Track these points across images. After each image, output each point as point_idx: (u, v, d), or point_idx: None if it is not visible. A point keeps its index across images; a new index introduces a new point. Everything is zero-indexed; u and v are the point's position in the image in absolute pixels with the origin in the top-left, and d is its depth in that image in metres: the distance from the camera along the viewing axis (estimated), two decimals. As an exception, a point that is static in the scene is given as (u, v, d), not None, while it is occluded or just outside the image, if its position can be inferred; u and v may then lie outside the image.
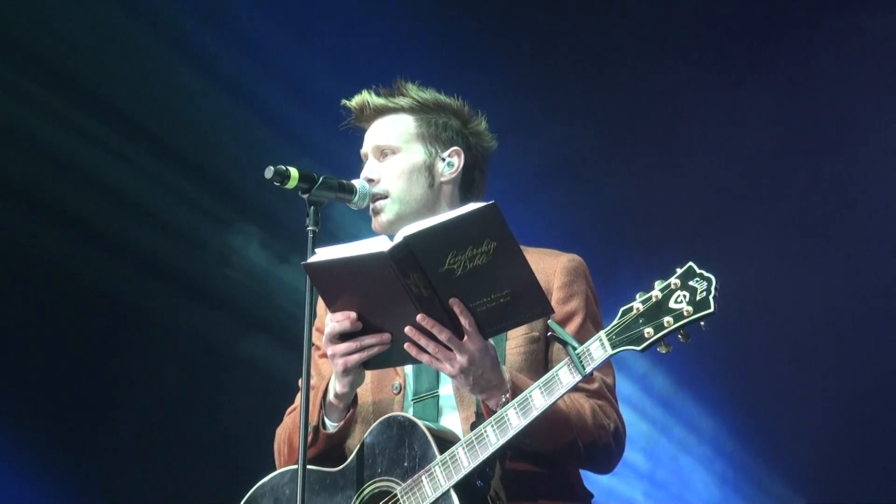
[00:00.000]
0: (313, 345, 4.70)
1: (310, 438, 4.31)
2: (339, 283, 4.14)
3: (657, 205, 7.64)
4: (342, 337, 4.20)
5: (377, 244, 4.04)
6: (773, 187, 7.48)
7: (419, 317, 4.06)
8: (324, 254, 4.12)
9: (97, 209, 7.63)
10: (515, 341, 4.43)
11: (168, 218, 7.71)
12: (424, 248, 3.99)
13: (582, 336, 4.18)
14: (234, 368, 7.73)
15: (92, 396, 7.72)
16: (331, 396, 4.37)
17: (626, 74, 7.69)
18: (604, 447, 4.36)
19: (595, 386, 4.34)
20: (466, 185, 4.70)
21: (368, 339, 4.18)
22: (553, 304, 4.34)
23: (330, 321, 4.19)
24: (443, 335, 4.07)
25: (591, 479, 4.54)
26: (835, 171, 7.38)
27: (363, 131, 4.74)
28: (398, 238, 4.01)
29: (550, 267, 4.44)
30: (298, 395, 4.67)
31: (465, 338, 4.08)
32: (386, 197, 4.58)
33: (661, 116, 7.65)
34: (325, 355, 4.55)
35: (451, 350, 4.08)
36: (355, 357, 4.20)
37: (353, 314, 4.16)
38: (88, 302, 7.72)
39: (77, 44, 7.55)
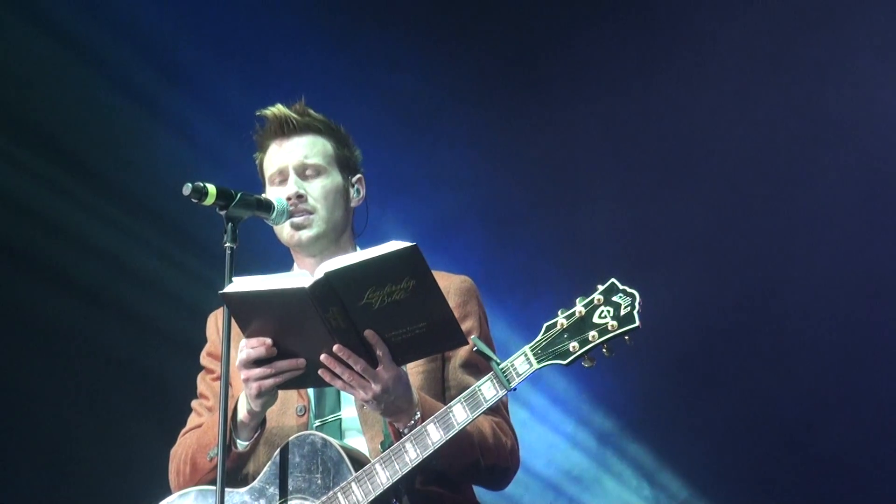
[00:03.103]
0: (205, 368, 4.71)
1: (218, 458, 4.20)
2: (255, 312, 4.14)
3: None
4: (257, 362, 4.18)
5: (297, 279, 4.05)
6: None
7: (335, 347, 4.09)
8: (242, 283, 4.11)
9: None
10: (415, 361, 4.43)
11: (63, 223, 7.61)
12: (344, 284, 4.02)
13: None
14: (137, 381, 7.61)
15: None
16: (241, 415, 4.34)
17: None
18: (503, 465, 4.45)
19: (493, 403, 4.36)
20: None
21: (283, 364, 4.17)
22: None
23: (244, 347, 4.18)
24: (358, 365, 4.11)
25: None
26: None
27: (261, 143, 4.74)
28: (318, 274, 4.03)
29: (444, 288, 4.39)
30: (191, 417, 4.65)
31: (380, 366, 4.12)
32: (312, 213, 4.58)
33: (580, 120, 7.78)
34: (217, 378, 4.56)
35: (365, 379, 4.11)
36: (269, 381, 4.19)
37: (269, 340, 4.16)
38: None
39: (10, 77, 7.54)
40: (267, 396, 4.25)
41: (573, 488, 7.82)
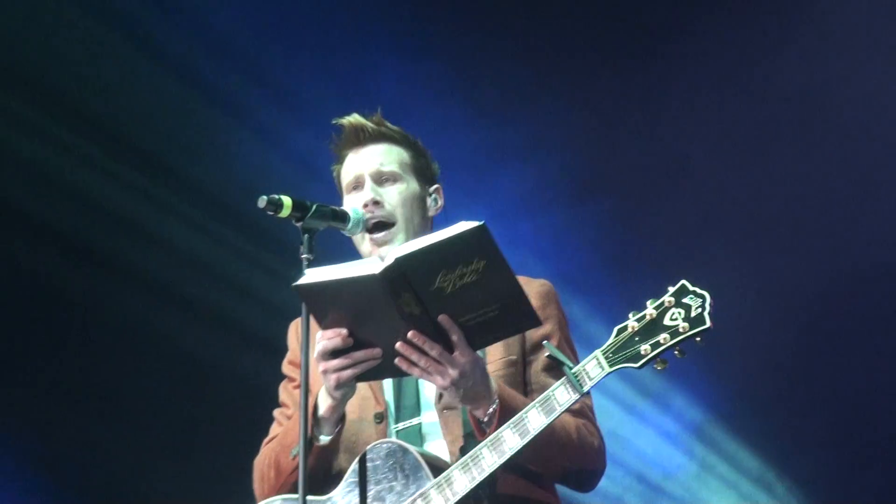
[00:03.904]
0: (287, 377, 4.76)
1: (301, 454, 4.25)
2: (329, 303, 4.17)
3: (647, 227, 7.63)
4: (333, 353, 4.21)
5: (368, 266, 4.07)
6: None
7: (410, 333, 4.11)
8: (314, 275, 4.15)
9: (85, 224, 7.69)
10: (494, 365, 4.48)
11: (161, 234, 7.78)
12: (416, 269, 4.04)
13: None
14: (221, 382, 7.73)
15: (77, 407, 7.67)
16: (322, 410, 4.37)
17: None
18: (590, 467, 4.47)
19: (577, 405, 4.37)
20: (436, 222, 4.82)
21: (360, 355, 4.20)
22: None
23: (321, 339, 4.21)
24: (433, 351, 4.12)
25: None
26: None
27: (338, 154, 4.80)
28: (389, 259, 4.05)
29: None
30: (273, 426, 4.71)
31: (456, 351, 4.13)
32: (392, 224, 4.63)
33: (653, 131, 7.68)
34: (298, 387, 4.58)
35: (441, 364, 4.12)
36: (348, 373, 4.22)
37: (344, 331, 4.19)
38: (77, 315, 7.73)
39: (94, 83, 7.69)
40: (346, 388, 4.28)
41: (673, 486, 7.79)
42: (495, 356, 4.49)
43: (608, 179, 7.82)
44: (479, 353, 4.24)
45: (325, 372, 4.24)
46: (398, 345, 4.12)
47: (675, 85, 7.71)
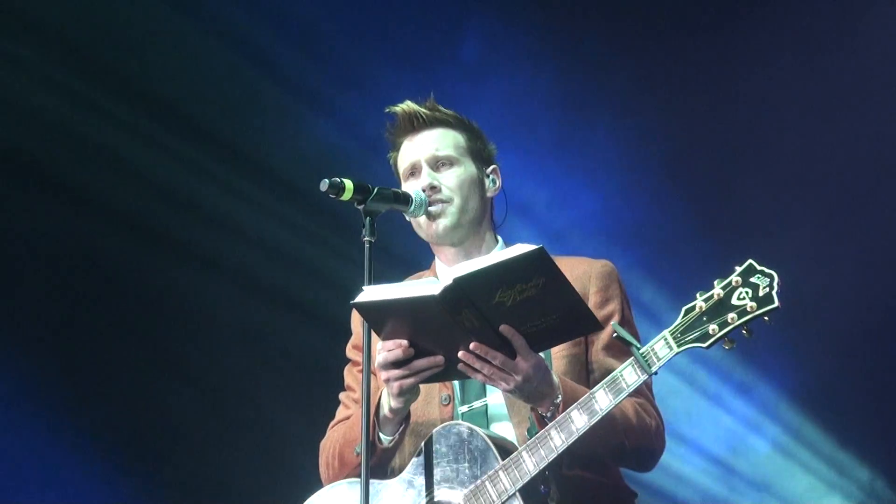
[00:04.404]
0: (351, 360, 4.79)
1: (363, 455, 4.29)
2: (389, 318, 4.21)
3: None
4: (395, 363, 4.23)
5: (427, 286, 4.10)
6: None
7: (472, 345, 4.14)
8: (372, 293, 4.18)
9: (162, 213, 7.74)
10: (560, 346, 4.48)
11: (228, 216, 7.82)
12: (474, 288, 4.07)
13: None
14: (287, 362, 7.79)
15: (160, 395, 7.72)
16: (385, 411, 4.40)
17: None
18: (648, 446, 4.48)
19: None
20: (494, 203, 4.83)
21: (422, 363, 4.23)
22: (590, 307, 4.42)
23: (382, 350, 4.25)
24: (496, 360, 4.16)
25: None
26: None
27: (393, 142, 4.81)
28: (448, 280, 4.07)
29: (585, 274, 4.55)
30: (339, 409, 4.73)
31: (518, 357, 4.17)
32: (448, 202, 4.63)
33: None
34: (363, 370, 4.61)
35: (505, 371, 4.16)
36: (410, 381, 4.26)
37: (405, 342, 4.22)
38: (153, 303, 7.77)
39: (160, 63, 7.73)
40: (409, 395, 4.32)
41: (748, 469, 7.74)
42: None
43: (700, 143, 7.73)
44: None
45: (387, 381, 4.27)
46: (460, 353, 4.15)
47: (768, 48, 7.59)
